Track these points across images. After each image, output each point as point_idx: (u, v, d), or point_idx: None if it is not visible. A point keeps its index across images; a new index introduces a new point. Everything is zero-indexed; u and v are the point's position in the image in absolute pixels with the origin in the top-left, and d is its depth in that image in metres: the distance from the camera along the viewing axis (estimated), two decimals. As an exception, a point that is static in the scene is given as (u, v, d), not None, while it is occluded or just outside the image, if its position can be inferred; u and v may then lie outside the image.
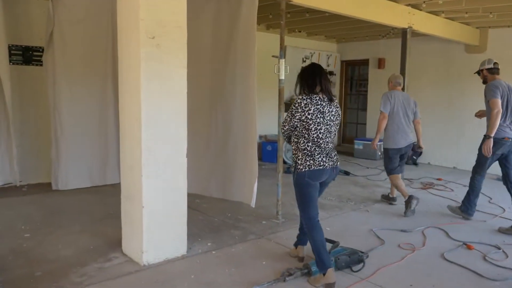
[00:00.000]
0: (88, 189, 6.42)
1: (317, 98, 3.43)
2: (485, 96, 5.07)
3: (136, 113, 3.65)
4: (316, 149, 3.46)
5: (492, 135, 4.99)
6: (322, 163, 3.47)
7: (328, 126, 3.47)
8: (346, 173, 8.01)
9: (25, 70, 6.38)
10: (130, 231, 3.94)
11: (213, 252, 4.13)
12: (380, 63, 10.36)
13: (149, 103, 3.62)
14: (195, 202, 5.68)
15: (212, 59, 5.41)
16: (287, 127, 3.54)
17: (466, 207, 5.40)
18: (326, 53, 10.77)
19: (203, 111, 5.59)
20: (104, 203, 5.70)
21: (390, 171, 5.83)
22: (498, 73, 5.18)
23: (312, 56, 10.28)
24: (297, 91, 3.59)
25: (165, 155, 3.77)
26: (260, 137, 9.40)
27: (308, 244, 3.77)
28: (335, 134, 3.59)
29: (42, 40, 6.28)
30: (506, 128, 5.07)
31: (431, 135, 9.18)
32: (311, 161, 3.44)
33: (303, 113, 3.40)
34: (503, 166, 5.20)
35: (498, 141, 5.04)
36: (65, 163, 6.34)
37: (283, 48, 4.95)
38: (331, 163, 3.52)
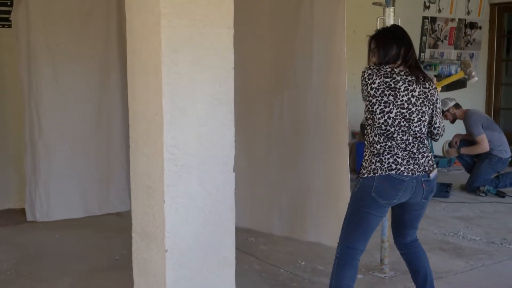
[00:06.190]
0: (81, 221, 6.55)
1: (388, 69, 3.68)
2: None
3: (155, 103, 3.67)
4: (387, 144, 3.64)
5: None
6: (395, 167, 3.58)
7: (405, 111, 3.64)
8: (500, 195, 7.87)
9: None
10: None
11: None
12: None
13: (175, 86, 3.63)
14: (248, 242, 5.71)
15: (273, 12, 5.47)
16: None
17: None
18: (464, -8, 10.56)
19: (261, 97, 5.62)
20: (106, 243, 5.80)
21: None
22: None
23: (440, -2, 10.12)
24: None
25: (200, 169, 3.78)
26: (353, 135, 9.29)
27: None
28: (423, 126, 3.73)
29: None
30: None
31: None
32: (378, 163, 3.62)
33: (366, 88, 3.72)
34: None
35: None
36: (46, 182, 6.49)
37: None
38: (414, 167, 3.63)
